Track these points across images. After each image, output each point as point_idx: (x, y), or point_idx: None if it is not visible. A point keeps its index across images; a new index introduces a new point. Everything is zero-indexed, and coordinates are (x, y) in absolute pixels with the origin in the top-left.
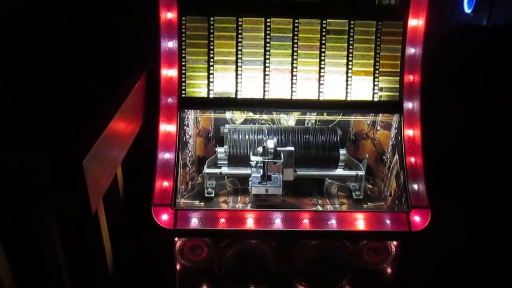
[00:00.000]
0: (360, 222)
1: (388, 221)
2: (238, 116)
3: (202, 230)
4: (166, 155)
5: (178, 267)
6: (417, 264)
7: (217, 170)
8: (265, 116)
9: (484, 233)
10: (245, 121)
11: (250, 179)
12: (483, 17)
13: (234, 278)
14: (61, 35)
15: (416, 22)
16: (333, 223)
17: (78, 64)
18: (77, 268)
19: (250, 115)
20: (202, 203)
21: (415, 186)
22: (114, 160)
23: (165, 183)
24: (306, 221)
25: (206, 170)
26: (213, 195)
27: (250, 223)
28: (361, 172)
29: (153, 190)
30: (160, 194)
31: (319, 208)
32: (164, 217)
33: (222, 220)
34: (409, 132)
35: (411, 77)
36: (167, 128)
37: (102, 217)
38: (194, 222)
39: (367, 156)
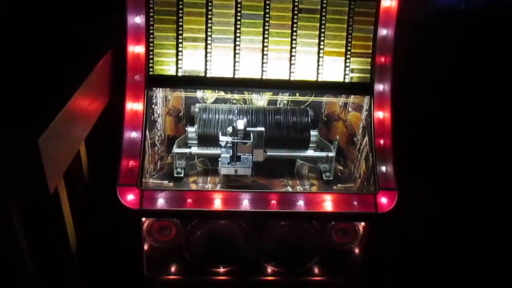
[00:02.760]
0: (328, 204)
1: (355, 203)
2: (209, 95)
3: (168, 210)
4: (132, 134)
5: (146, 247)
6: (385, 244)
7: (186, 150)
8: (236, 96)
9: (452, 213)
10: (217, 100)
11: (220, 159)
12: (462, 0)
13: (203, 258)
14: (22, 9)
15: (389, 3)
16: (301, 205)
17: (39, 42)
18: (40, 252)
19: (222, 94)
20: (171, 183)
21: (383, 168)
22: (76, 138)
23: (131, 163)
24: (274, 202)
25: (176, 150)
26: (182, 175)
27: (217, 204)
28: (332, 154)
29: (119, 169)
30: (126, 173)
31: (289, 189)
32: (130, 197)
33: (189, 200)
34: (379, 114)
35: (383, 59)
36: (133, 106)
37: (64, 197)
38: (161, 202)
39: (338, 138)
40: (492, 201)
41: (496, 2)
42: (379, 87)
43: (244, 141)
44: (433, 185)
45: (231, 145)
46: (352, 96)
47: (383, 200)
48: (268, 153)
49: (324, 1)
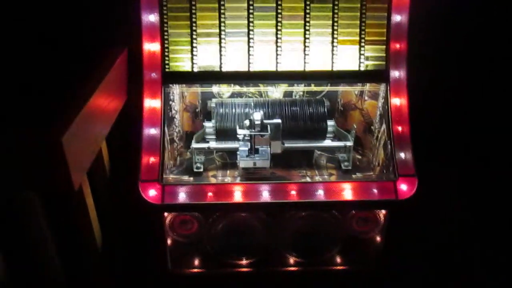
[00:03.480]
0: (347, 192)
1: (375, 190)
2: (225, 90)
3: (190, 204)
4: (151, 131)
5: (169, 241)
6: (406, 231)
7: (204, 145)
8: (252, 89)
9: (477, 199)
10: (233, 95)
11: (238, 152)
12: None
13: (225, 250)
14: (40, 10)
15: None
16: (320, 194)
17: (58, 41)
18: (65, 247)
19: (237, 88)
20: (191, 178)
21: (402, 155)
22: (97, 136)
23: (152, 159)
24: (293, 192)
25: (194, 145)
26: (202, 170)
27: (238, 196)
28: (349, 143)
29: (140, 165)
30: (147, 169)
31: (308, 179)
32: (152, 192)
33: (210, 194)
34: (395, 101)
35: (397, 46)
36: (151, 103)
37: (88, 194)
38: (182, 196)
39: (355, 127)
40: None
41: None
42: (395, 73)
43: (261, 133)
44: (454, 170)
45: (248, 138)
46: (368, 84)
47: (403, 186)
48: (285, 145)
49: None
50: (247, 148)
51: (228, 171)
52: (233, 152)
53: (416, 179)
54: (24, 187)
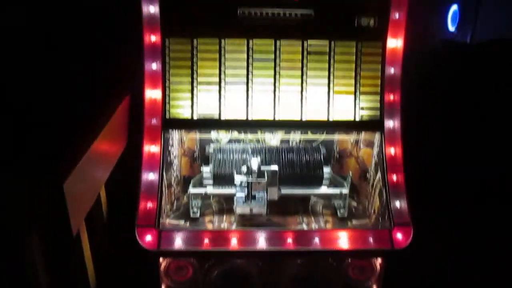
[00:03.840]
0: (343, 241)
1: (371, 239)
2: (223, 136)
3: (186, 250)
4: (150, 176)
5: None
6: (402, 280)
7: (202, 190)
8: (250, 136)
9: (470, 240)
10: (231, 140)
11: (235, 198)
12: (467, 35)
13: None
14: (47, 56)
15: (394, 43)
16: (317, 242)
17: (62, 86)
18: None
19: (235, 134)
20: (188, 223)
21: (397, 204)
22: (97, 181)
23: (149, 204)
24: (290, 240)
25: (191, 190)
26: (198, 215)
27: (234, 243)
28: (345, 190)
29: (137, 210)
30: (144, 214)
31: (304, 226)
32: (148, 238)
33: (206, 240)
34: (390, 150)
35: (391, 96)
36: (151, 148)
37: (85, 238)
38: (178, 242)
39: (351, 174)
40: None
41: (502, 36)
42: (389, 123)
43: (258, 180)
44: (448, 216)
45: (246, 184)
46: (363, 133)
47: (399, 235)
48: (282, 191)
49: (332, 43)
50: (244, 194)
51: (224, 217)
52: (230, 197)
53: (411, 228)
54: (24, 229)
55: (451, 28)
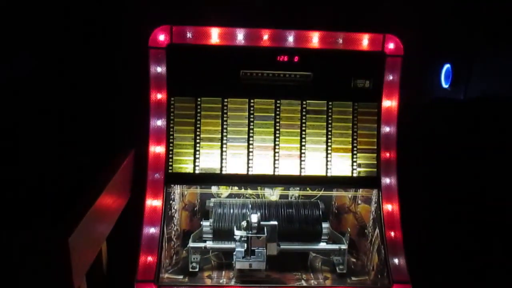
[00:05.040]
0: None
1: None
2: (223, 190)
3: None
4: (151, 230)
5: None
6: None
7: (201, 244)
8: (250, 191)
9: None
10: (230, 195)
11: (234, 253)
12: (461, 92)
13: None
14: (56, 110)
15: (389, 103)
16: None
17: (71, 140)
18: None
19: (235, 189)
20: (186, 279)
21: (396, 261)
22: (100, 236)
23: (149, 258)
24: None
25: (191, 244)
26: (197, 269)
27: None
28: (344, 246)
29: (137, 265)
30: (143, 269)
31: (303, 283)
32: None
33: None
34: (387, 207)
35: (388, 154)
36: (153, 203)
37: None
38: None
39: (349, 230)
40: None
41: (496, 93)
42: (386, 180)
43: (258, 235)
44: (447, 273)
45: (245, 239)
46: (360, 189)
47: None
48: (281, 247)
49: (330, 103)
50: (243, 249)
51: (223, 272)
52: (229, 252)
53: (410, 286)
54: (25, 283)
55: (445, 85)
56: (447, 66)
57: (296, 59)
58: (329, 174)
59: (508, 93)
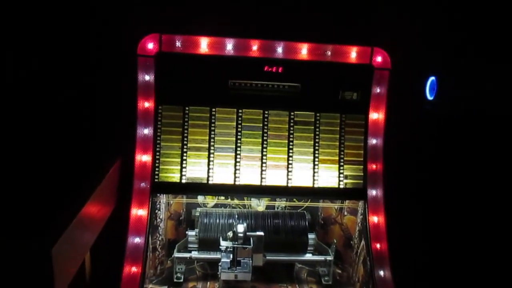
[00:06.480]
0: None
1: None
2: (210, 200)
3: None
4: (136, 240)
5: None
6: None
7: (187, 255)
8: (236, 201)
9: None
10: (217, 205)
11: (220, 264)
12: (445, 104)
13: None
14: (41, 117)
15: (376, 116)
16: None
17: (56, 147)
18: None
19: (222, 199)
20: None
21: (381, 273)
22: (84, 246)
23: (134, 269)
24: None
25: (176, 254)
26: (182, 280)
27: None
28: (330, 257)
29: (121, 275)
30: (127, 280)
31: None
32: None
33: None
34: (373, 219)
35: (374, 166)
36: (138, 212)
37: None
38: None
39: (335, 241)
40: None
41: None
42: (372, 192)
43: (244, 246)
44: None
45: (231, 249)
46: (347, 201)
47: None
48: (267, 257)
49: (318, 114)
50: (229, 260)
51: (208, 283)
52: (214, 263)
53: None
54: None
55: (429, 97)
56: (432, 78)
57: (284, 70)
58: (316, 185)
59: (491, 104)
